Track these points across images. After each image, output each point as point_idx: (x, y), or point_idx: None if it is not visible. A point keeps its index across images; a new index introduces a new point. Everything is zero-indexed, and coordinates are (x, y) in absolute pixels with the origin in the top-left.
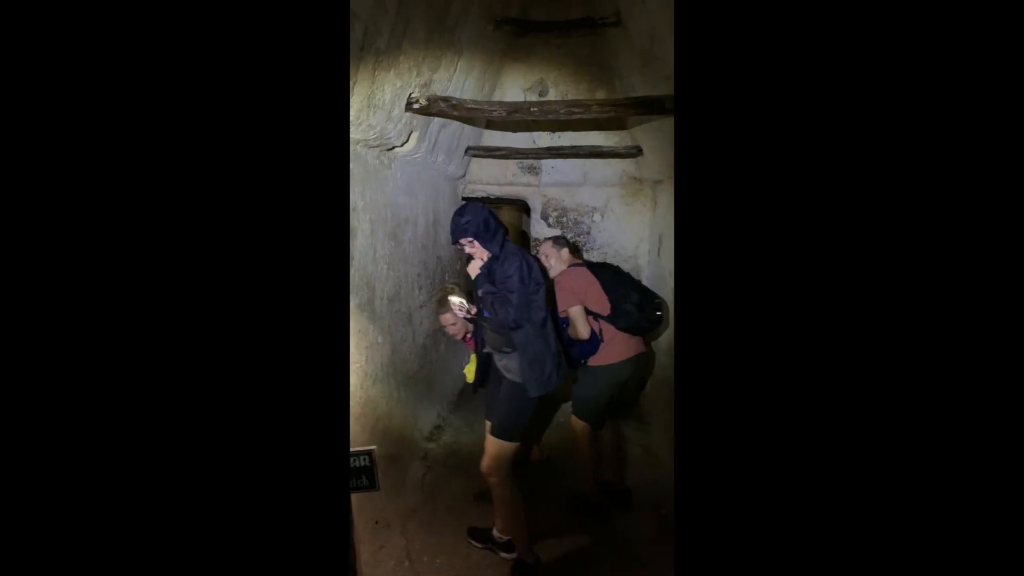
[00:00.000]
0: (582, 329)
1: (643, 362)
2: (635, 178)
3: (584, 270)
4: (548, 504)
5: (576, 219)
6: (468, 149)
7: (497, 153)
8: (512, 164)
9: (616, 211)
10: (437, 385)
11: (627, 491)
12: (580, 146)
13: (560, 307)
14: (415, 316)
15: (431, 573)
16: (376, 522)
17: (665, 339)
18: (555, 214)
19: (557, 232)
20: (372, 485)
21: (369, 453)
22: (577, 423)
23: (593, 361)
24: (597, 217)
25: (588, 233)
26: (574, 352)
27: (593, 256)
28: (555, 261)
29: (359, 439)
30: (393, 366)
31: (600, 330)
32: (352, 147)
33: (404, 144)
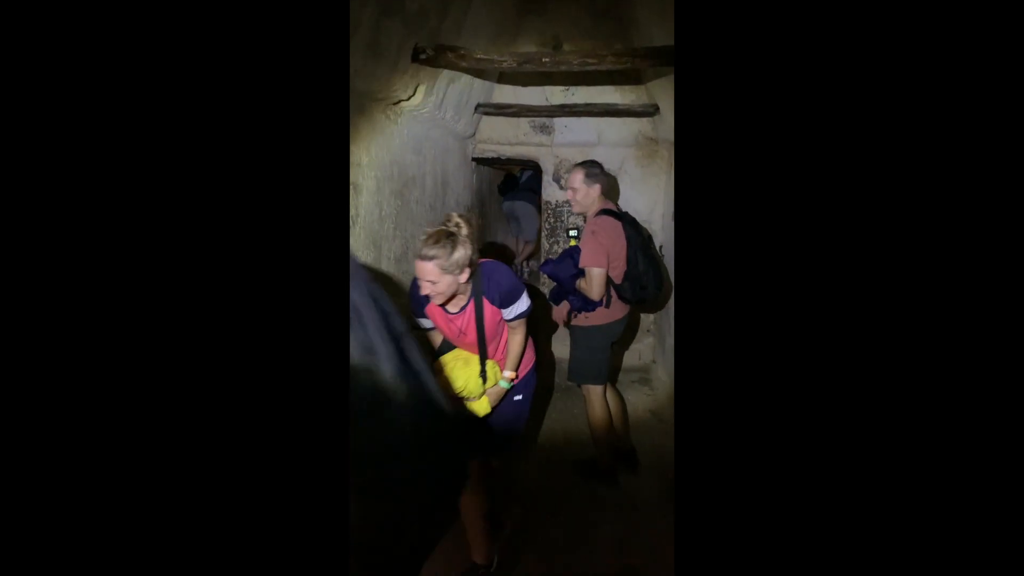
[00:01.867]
0: (596, 292)
1: (629, 320)
2: (651, 139)
3: (619, 226)
4: (554, 469)
5: None
6: (478, 106)
7: (508, 111)
8: (523, 123)
9: (631, 173)
10: None
11: (632, 450)
12: (594, 104)
13: (583, 260)
14: None
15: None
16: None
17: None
18: (568, 176)
19: (591, 167)
20: None
21: None
22: (585, 389)
23: (591, 321)
24: None
25: None
26: (573, 302)
27: None
28: (582, 197)
29: None
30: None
31: (609, 298)
32: (356, 99)
33: (410, 98)
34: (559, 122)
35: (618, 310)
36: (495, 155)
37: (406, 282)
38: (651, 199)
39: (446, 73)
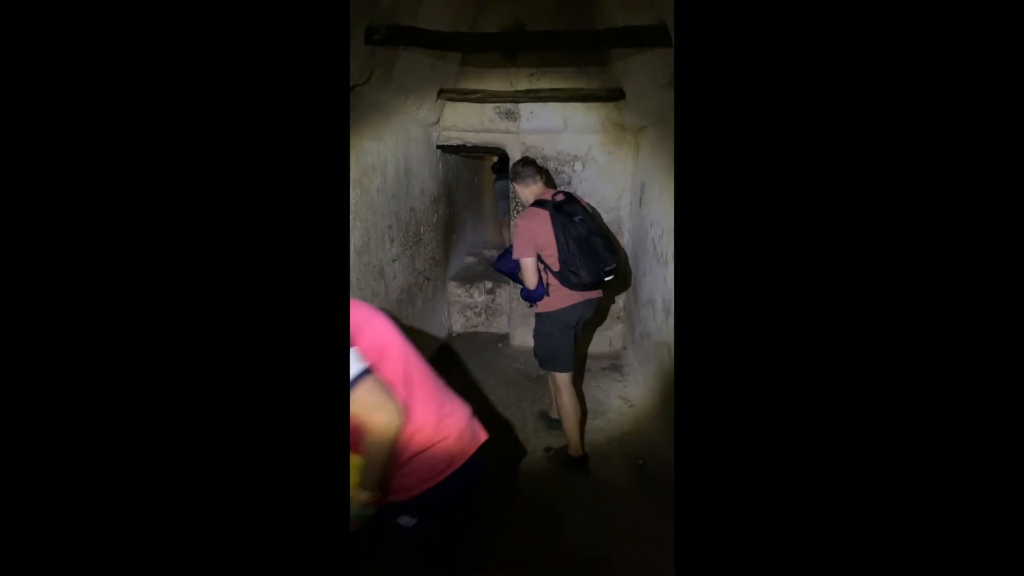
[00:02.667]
0: (529, 281)
1: (593, 304)
2: (617, 124)
3: (545, 215)
4: (529, 455)
5: (557, 168)
6: (441, 92)
7: (472, 96)
8: (489, 109)
9: (598, 160)
10: (416, 342)
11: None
12: (560, 89)
13: (514, 252)
14: (387, 270)
15: None
16: None
17: (646, 291)
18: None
19: (519, 167)
20: None
21: None
22: (552, 376)
23: (541, 308)
24: (579, 166)
25: (569, 183)
26: (522, 292)
27: None
28: (522, 197)
29: None
30: None
31: (547, 283)
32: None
33: (366, 82)
34: (525, 108)
35: (565, 297)
36: (460, 142)
37: (366, 277)
38: (618, 186)
39: (404, 57)
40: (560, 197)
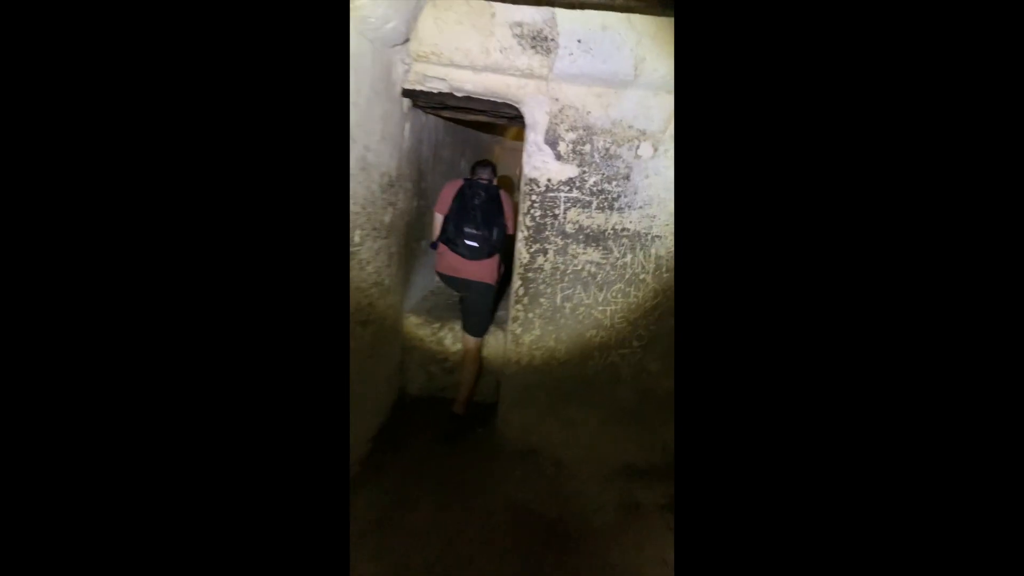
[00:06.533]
0: (435, 232)
1: (474, 287)
2: None
3: (456, 184)
4: None
5: (609, 150)
6: None
7: None
8: (501, 26)
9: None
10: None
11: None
12: None
13: (435, 208)
14: None
15: None
16: None
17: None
18: (571, 136)
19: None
20: None
21: None
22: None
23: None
24: (645, 150)
25: (627, 178)
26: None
27: (632, 218)
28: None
29: None
30: None
31: (436, 243)
32: None
33: None
34: (567, 31)
35: (452, 265)
36: (446, 85)
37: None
38: None
39: None
40: (483, 180)
